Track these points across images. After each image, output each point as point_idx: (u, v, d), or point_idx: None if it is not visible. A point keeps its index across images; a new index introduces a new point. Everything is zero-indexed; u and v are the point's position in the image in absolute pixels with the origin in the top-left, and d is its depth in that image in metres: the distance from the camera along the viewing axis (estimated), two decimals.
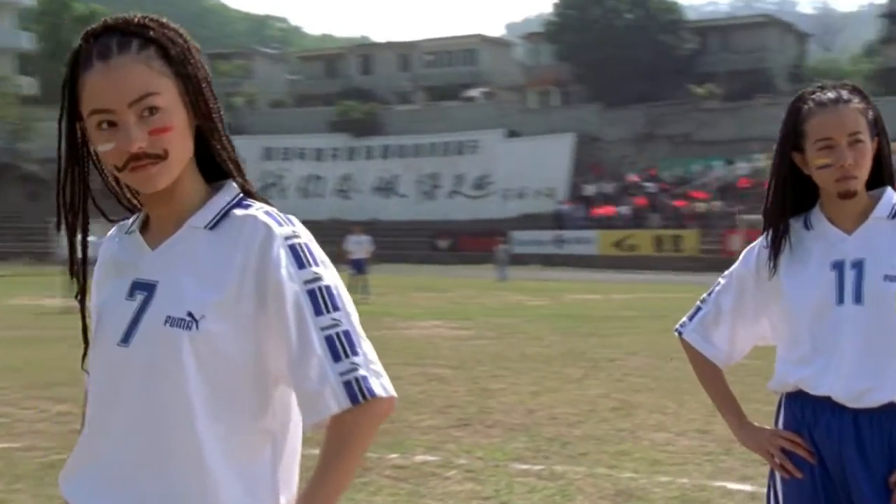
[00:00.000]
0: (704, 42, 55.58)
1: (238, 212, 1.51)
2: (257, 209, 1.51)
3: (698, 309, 2.69)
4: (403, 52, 63.08)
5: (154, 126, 1.43)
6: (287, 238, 1.47)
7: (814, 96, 2.43)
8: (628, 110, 48.17)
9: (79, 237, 1.54)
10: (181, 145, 1.46)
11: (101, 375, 1.51)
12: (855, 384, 2.31)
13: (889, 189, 2.43)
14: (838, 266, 2.39)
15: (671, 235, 39.81)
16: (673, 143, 46.98)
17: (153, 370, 1.44)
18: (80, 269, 1.54)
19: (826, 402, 2.36)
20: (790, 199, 2.51)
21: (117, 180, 1.58)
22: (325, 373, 1.42)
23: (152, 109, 1.42)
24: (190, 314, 1.44)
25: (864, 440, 2.32)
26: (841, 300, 2.36)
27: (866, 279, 2.34)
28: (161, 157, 1.45)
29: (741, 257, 2.62)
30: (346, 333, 1.45)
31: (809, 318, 2.39)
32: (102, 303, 1.55)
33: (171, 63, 1.45)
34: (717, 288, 2.66)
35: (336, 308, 1.46)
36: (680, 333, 2.71)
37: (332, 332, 1.44)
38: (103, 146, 1.44)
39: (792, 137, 2.46)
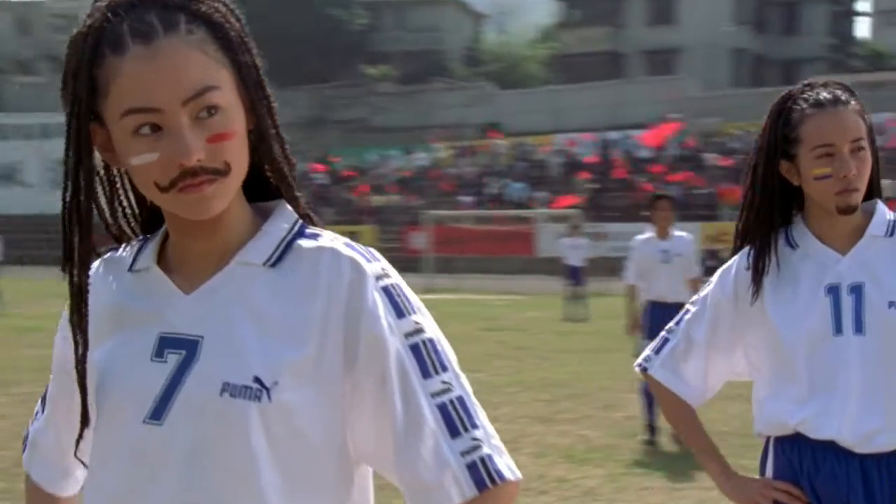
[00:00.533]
0: (378, 18, 57.14)
1: (306, 243, 1.36)
2: (332, 239, 1.37)
3: (665, 341, 2.60)
4: (23, 15, 58.68)
5: (214, 131, 1.26)
6: (379, 278, 1.35)
7: (806, 96, 2.41)
8: (295, 91, 48.26)
9: (81, 275, 1.34)
10: (242, 157, 1.30)
11: (118, 467, 1.32)
12: (863, 426, 2.32)
13: (879, 203, 2.47)
14: (833, 291, 2.39)
15: (346, 231, 39.51)
16: (346, 130, 47.78)
17: (203, 457, 1.27)
18: (81, 317, 1.35)
19: (829, 447, 2.35)
20: (778, 213, 2.48)
21: (112, 200, 1.40)
22: (442, 453, 1.32)
23: (211, 109, 1.25)
24: (258, 380, 1.28)
25: (873, 489, 2.32)
26: (839, 330, 2.36)
27: (867, 306, 2.36)
28: (221, 172, 1.27)
29: (716, 280, 2.57)
30: (461, 400, 1.35)
31: (804, 350, 2.38)
32: (105, 365, 1.36)
33: (228, 48, 1.28)
34: (687, 316, 2.59)
35: (444, 367, 1.35)
36: (645, 370, 2.61)
37: (444, 398, 1.34)
38: (141, 157, 1.25)
39: (781, 143, 2.42)
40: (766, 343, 2.46)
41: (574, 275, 19.16)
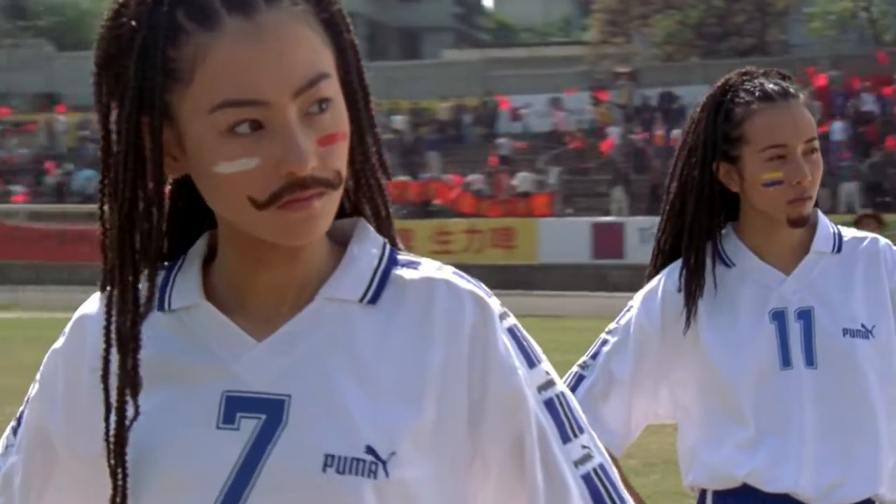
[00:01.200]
0: None
1: (407, 274, 1.30)
2: (438, 269, 1.31)
3: (580, 378, 2.51)
4: None
5: (325, 131, 1.20)
6: (502, 317, 1.31)
7: (749, 87, 2.41)
8: None
9: (133, 321, 1.24)
10: (345, 163, 1.24)
11: None
12: (822, 476, 2.36)
13: (820, 214, 2.51)
14: (779, 317, 2.42)
15: None
16: None
17: None
18: (130, 378, 1.23)
19: (782, 501, 2.36)
20: (717, 224, 2.46)
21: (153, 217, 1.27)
22: None
23: (322, 103, 1.19)
24: (371, 451, 1.22)
25: None
26: (787, 362, 2.40)
27: (818, 334, 2.40)
28: (332, 184, 1.21)
29: (638, 305, 2.51)
30: (603, 469, 1.34)
31: (749, 387, 2.38)
32: (142, 436, 1.25)
33: (332, 22, 1.23)
34: (606, 348, 2.50)
35: (580, 428, 1.35)
36: None
37: (587, 468, 1.33)
38: (235, 163, 1.17)
39: (720, 143, 2.40)
40: (700, 379, 2.45)
41: None
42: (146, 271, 1.26)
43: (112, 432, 1.24)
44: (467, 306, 1.29)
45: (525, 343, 1.34)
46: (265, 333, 1.27)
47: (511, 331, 1.32)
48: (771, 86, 2.40)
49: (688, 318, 2.43)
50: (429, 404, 1.26)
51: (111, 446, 1.24)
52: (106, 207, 1.26)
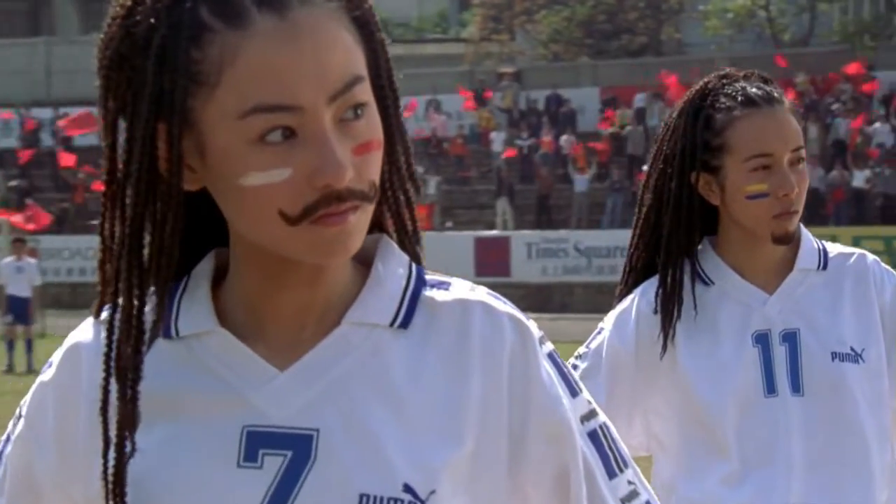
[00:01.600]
0: None
1: (438, 295, 1.32)
2: (471, 289, 1.33)
3: None
4: None
5: (361, 139, 1.20)
6: (542, 342, 1.34)
7: (729, 91, 2.45)
8: None
9: (136, 348, 1.23)
10: (379, 173, 1.25)
11: None
12: None
13: (803, 228, 2.57)
14: (762, 340, 2.46)
15: None
16: None
17: None
18: (130, 395, 1.23)
19: None
20: (695, 240, 2.50)
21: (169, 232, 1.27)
22: None
23: (358, 108, 1.20)
24: (409, 490, 1.23)
25: None
26: (772, 389, 2.44)
27: (805, 359, 2.45)
28: (368, 196, 1.21)
29: (610, 327, 2.53)
30: None
31: (732, 416, 2.42)
32: (151, 474, 1.25)
33: (364, 21, 1.24)
34: (575, 374, 2.51)
35: (625, 462, 1.38)
36: None
37: None
38: (267, 174, 1.17)
39: (700, 152, 2.44)
40: (678, 408, 2.48)
41: (17, 309, 18.24)
42: (153, 295, 1.25)
43: (111, 470, 1.23)
44: (506, 330, 1.30)
45: (566, 370, 1.36)
46: (287, 362, 1.27)
47: (551, 356, 1.34)
48: (754, 90, 2.44)
49: (665, 342, 2.46)
50: (468, 437, 1.27)
51: (110, 486, 1.23)
52: (108, 223, 1.25)
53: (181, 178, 1.20)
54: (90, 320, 1.32)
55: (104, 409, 1.24)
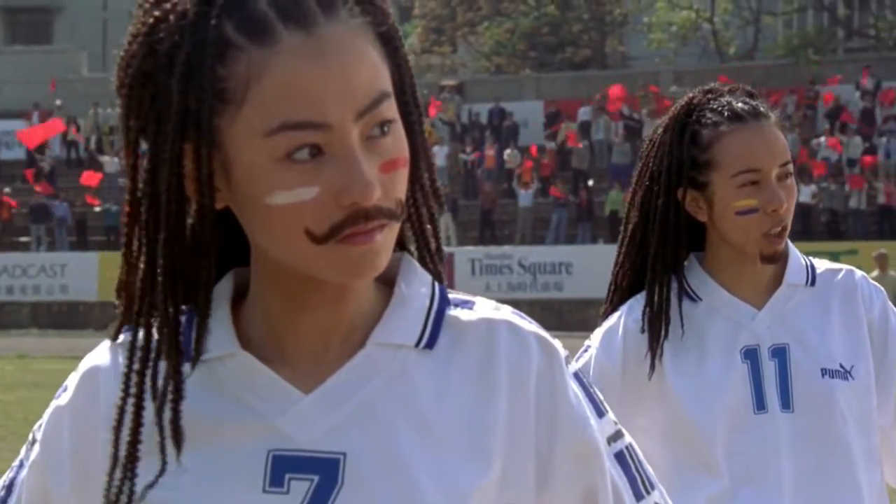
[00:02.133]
0: None
1: (463, 315, 1.32)
2: (495, 308, 1.34)
3: None
4: None
5: (388, 156, 1.21)
6: (568, 362, 1.34)
7: (715, 106, 2.47)
8: None
9: (176, 368, 1.24)
10: (405, 191, 1.26)
11: None
12: None
13: (790, 244, 2.59)
14: (751, 355, 2.48)
15: None
16: None
17: None
18: (172, 416, 1.24)
19: None
20: (683, 256, 2.51)
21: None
22: None
23: (384, 126, 1.20)
24: None
25: None
26: (761, 405, 2.45)
27: (795, 374, 2.46)
28: (395, 215, 1.22)
29: (597, 345, 2.55)
30: None
31: (721, 433, 2.44)
32: (173, 500, 1.26)
33: (389, 37, 1.24)
34: (600, 394, 2.52)
35: (652, 484, 1.40)
36: None
37: None
38: (294, 193, 1.17)
39: (687, 168, 2.45)
40: (666, 426, 2.49)
41: None
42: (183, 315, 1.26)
43: (114, 490, 1.24)
44: (532, 350, 1.30)
45: (592, 390, 1.36)
46: (311, 384, 1.27)
47: (577, 376, 1.35)
48: (740, 105, 2.45)
49: (653, 361, 2.47)
50: (496, 460, 1.27)
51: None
52: (134, 244, 1.25)
53: (213, 197, 1.20)
54: (107, 343, 1.32)
55: (117, 429, 1.24)
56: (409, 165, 1.25)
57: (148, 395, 1.24)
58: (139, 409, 1.24)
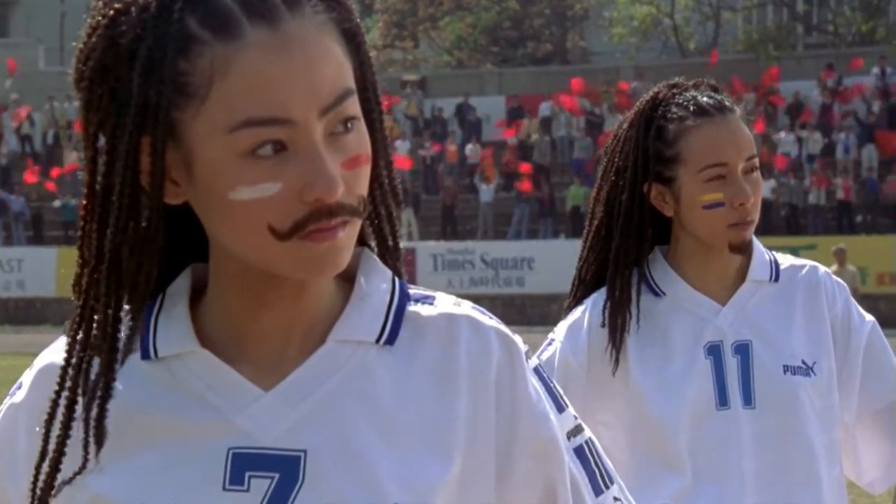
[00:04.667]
0: None
1: (424, 310, 1.33)
2: (455, 304, 1.35)
3: None
4: None
5: (350, 153, 1.22)
6: (528, 357, 1.36)
7: (680, 101, 2.47)
8: None
9: (108, 366, 1.24)
10: (367, 188, 1.27)
11: None
12: None
13: (755, 239, 2.59)
14: (714, 351, 2.48)
15: None
16: None
17: None
18: (97, 413, 1.24)
19: None
20: (645, 251, 2.51)
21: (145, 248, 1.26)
22: None
23: (348, 122, 1.21)
24: None
25: None
26: (724, 401, 2.46)
27: (757, 371, 2.48)
28: (357, 211, 1.23)
29: (562, 338, 2.55)
30: None
31: (685, 429, 2.45)
32: (127, 500, 1.25)
33: (352, 34, 1.25)
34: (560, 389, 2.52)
35: (611, 478, 1.41)
36: None
37: None
38: (257, 188, 1.18)
39: (652, 163, 2.45)
40: (629, 421, 2.50)
41: None
42: (128, 313, 1.26)
43: (41, 484, 1.25)
44: (493, 345, 1.31)
45: (552, 384, 1.38)
46: (272, 381, 1.27)
47: (538, 371, 1.36)
48: (705, 99, 2.47)
49: (614, 356, 2.48)
50: (456, 455, 1.28)
51: (35, 500, 1.25)
52: (87, 238, 1.24)
53: (162, 191, 1.20)
54: (63, 339, 1.31)
55: (48, 422, 1.25)
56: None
57: (80, 391, 1.24)
58: (72, 403, 1.24)
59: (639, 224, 2.50)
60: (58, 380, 1.25)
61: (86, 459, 1.23)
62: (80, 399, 1.24)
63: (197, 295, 1.32)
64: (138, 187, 1.20)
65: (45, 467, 1.24)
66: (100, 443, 1.23)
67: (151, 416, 1.27)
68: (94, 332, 1.24)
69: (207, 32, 1.16)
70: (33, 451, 1.29)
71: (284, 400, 1.27)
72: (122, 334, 1.25)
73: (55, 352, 1.33)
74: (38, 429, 1.28)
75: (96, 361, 1.24)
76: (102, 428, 1.23)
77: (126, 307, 1.25)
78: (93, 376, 1.24)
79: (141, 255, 1.22)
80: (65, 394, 1.24)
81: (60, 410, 1.24)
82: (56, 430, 1.24)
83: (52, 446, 1.24)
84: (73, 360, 1.25)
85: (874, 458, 2.61)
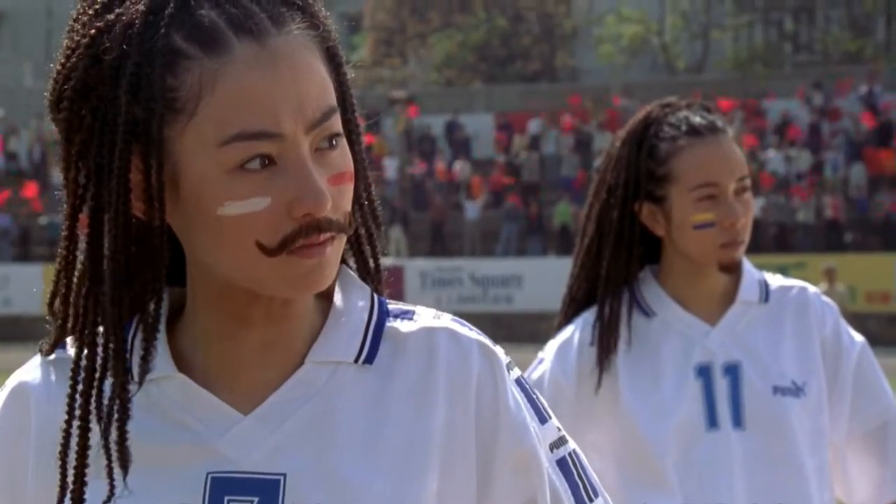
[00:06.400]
0: None
1: (403, 326, 1.33)
2: (435, 317, 1.34)
3: None
4: None
5: (336, 170, 1.23)
6: (510, 368, 1.35)
7: (672, 121, 2.48)
8: None
9: (121, 385, 1.22)
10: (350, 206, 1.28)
11: None
12: None
13: (745, 260, 2.60)
14: (704, 373, 2.48)
15: None
16: None
17: None
18: (118, 436, 1.22)
19: None
20: (635, 270, 2.52)
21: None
22: None
23: (333, 139, 1.22)
24: None
25: None
26: (714, 423, 2.46)
27: (747, 392, 2.48)
28: (343, 227, 1.24)
29: (551, 358, 2.55)
30: None
31: (674, 451, 2.44)
32: None
33: (333, 53, 1.27)
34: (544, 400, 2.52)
35: (595, 491, 1.39)
36: None
37: None
38: (246, 203, 1.17)
39: (644, 182, 2.46)
40: (618, 443, 2.50)
41: None
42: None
43: None
44: (473, 357, 1.31)
45: (534, 396, 1.37)
46: (251, 404, 1.27)
47: (519, 382, 1.35)
48: (697, 119, 2.48)
49: (600, 376, 2.48)
50: (438, 472, 1.28)
51: None
52: (70, 259, 1.25)
53: (164, 205, 1.19)
54: (37, 359, 1.30)
55: (63, 454, 1.23)
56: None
57: (93, 417, 1.22)
58: (86, 431, 1.22)
59: (629, 243, 2.50)
60: (66, 408, 1.23)
61: (112, 486, 1.21)
62: (92, 426, 1.22)
63: (173, 318, 1.31)
64: (129, 206, 1.19)
65: (67, 501, 1.23)
66: (125, 466, 1.21)
67: (129, 440, 1.24)
68: (101, 354, 1.23)
69: (194, 47, 1.16)
70: (5, 474, 1.29)
71: (263, 423, 1.26)
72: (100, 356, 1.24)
73: (30, 371, 1.32)
74: (9, 448, 1.29)
75: (106, 384, 1.23)
76: (126, 451, 1.21)
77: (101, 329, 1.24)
78: (104, 401, 1.23)
79: (155, 273, 1.23)
80: (76, 422, 1.22)
81: (75, 440, 1.22)
82: (73, 461, 1.22)
83: (70, 478, 1.22)
84: (81, 386, 1.23)
85: (865, 479, 2.61)
